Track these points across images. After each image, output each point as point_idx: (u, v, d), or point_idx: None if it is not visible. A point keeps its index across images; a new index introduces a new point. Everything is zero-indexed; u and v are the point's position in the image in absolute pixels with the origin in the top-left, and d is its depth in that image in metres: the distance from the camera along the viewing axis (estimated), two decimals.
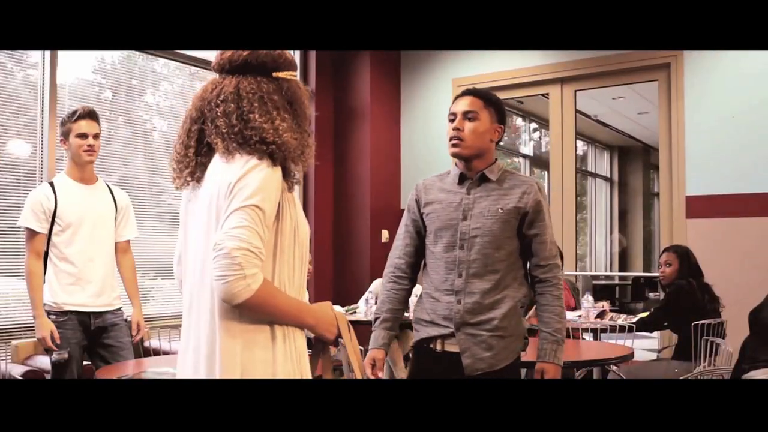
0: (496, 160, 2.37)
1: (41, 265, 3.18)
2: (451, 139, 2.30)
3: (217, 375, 1.52)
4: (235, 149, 1.55)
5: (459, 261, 2.27)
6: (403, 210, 2.50)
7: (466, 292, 2.25)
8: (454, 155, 2.32)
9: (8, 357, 3.80)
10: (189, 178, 1.63)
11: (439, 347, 2.30)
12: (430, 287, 2.35)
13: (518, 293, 2.29)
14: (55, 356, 3.12)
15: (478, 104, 2.30)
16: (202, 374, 1.55)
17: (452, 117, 2.32)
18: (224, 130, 1.57)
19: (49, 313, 3.17)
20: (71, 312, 3.19)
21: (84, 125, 3.22)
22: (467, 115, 2.29)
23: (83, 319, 3.21)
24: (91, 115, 3.25)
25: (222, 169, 1.56)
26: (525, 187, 2.29)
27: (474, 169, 2.33)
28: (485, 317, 2.24)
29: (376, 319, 2.42)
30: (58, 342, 3.11)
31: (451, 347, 2.27)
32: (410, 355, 3.16)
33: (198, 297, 1.58)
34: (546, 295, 2.28)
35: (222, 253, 1.43)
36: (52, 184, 3.25)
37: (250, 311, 1.49)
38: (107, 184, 3.42)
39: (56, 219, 3.18)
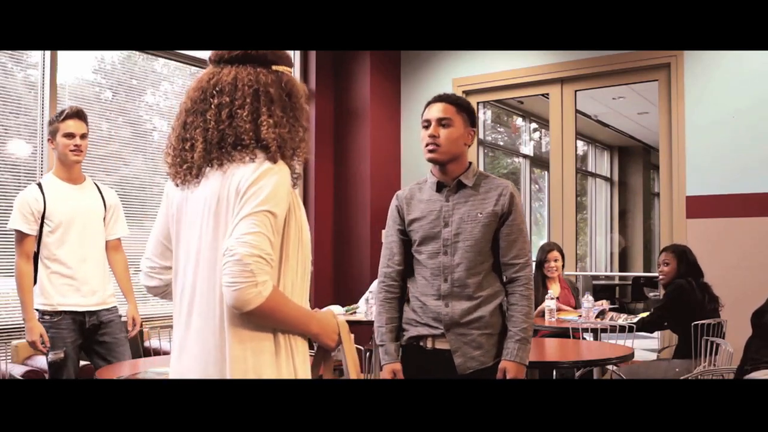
0: (470, 163, 2.45)
1: (31, 267, 3.16)
2: (427, 145, 2.38)
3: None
4: (223, 155, 1.54)
5: (444, 267, 2.37)
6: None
7: (453, 295, 2.35)
8: (431, 160, 2.40)
9: (8, 357, 3.80)
10: (190, 175, 1.58)
11: (429, 345, 2.39)
12: (418, 292, 2.44)
13: (502, 291, 2.40)
14: (51, 356, 3.11)
15: (451, 110, 2.38)
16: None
17: (426, 124, 2.40)
18: (211, 125, 1.55)
19: (43, 313, 3.15)
20: (66, 312, 3.17)
21: (71, 125, 3.20)
22: (441, 122, 2.37)
23: (78, 318, 3.20)
24: (78, 114, 3.23)
25: (228, 169, 1.54)
26: (500, 189, 2.38)
27: (450, 174, 2.41)
28: (473, 317, 2.34)
29: (378, 331, 2.47)
30: (48, 345, 3.11)
31: (442, 345, 2.36)
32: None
33: (201, 302, 1.56)
34: (515, 294, 2.36)
35: (234, 260, 1.41)
36: (40, 185, 3.21)
37: (259, 319, 1.48)
38: (95, 183, 3.40)
39: (45, 220, 3.15)
